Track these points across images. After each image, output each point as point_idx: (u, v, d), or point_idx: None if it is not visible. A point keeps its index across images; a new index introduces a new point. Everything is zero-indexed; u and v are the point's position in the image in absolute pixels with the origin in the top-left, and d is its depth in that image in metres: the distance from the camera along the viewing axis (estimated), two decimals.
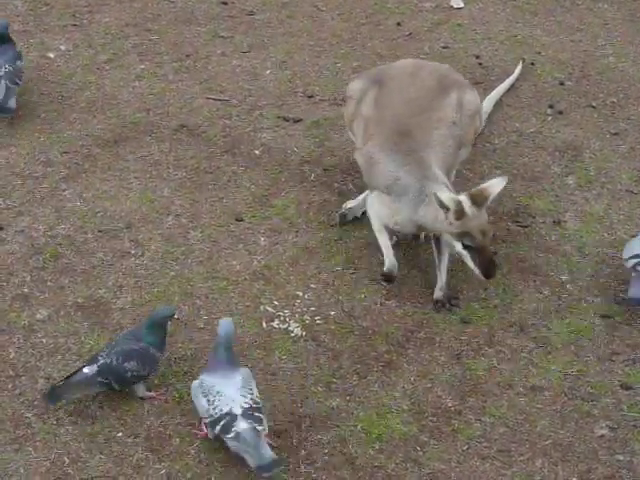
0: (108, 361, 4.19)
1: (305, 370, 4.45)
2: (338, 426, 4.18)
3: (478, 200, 4.57)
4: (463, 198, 4.55)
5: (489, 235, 4.62)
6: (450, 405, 4.30)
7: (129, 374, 4.19)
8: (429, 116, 4.95)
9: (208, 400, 3.98)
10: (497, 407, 4.30)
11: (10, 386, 4.33)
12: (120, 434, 4.14)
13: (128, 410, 4.23)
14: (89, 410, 4.23)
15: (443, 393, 4.36)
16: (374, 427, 4.19)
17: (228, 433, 3.91)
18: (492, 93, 6.16)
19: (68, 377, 4.21)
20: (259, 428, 3.92)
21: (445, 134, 4.95)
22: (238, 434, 3.89)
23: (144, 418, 4.20)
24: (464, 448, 4.12)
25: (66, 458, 4.04)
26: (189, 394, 4.25)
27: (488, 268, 4.59)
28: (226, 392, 3.98)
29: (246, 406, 3.95)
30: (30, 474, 3.97)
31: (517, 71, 6.41)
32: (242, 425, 3.90)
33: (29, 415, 4.21)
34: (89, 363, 4.22)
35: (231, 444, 3.92)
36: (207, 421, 3.99)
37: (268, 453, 3.89)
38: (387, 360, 4.51)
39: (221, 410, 3.94)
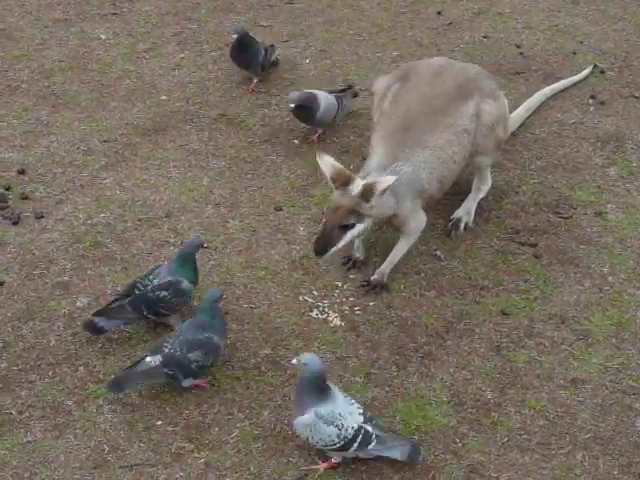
0: (172, 351, 4.18)
1: (344, 360, 4.43)
2: (377, 417, 4.16)
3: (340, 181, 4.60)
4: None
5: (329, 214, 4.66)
6: (490, 397, 4.27)
7: (194, 365, 4.19)
8: (438, 119, 4.88)
9: (337, 426, 3.86)
10: (537, 399, 4.26)
11: (50, 373, 4.35)
12: (159, 422, 4.14)
13: (167, 399, 4.23)
14: (128, 398, 4.23)
15: (483, 385, 4.33)
16: (413, 418, 4.16)
17: (370, 443, 3.90)
18: (546, 89, 6.12)
19: (131, 366, 4.22)
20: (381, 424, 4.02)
21: (450, 140, 4.88)
22: (378, 436, 3.91)
23: (183, 407, 4.20)
24: (504, 440, 4.09)
25: (105, 446, 4.05)
26: (228, 383, 4.27)
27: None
28: (344, 410, 3.91)
29: (362, 411, 3.96)
30: (70, 461, 3.99)
31: (584, 73, 6.33)
32: (371, 429, 3.91)
33: (69, 402, 4.23)
34: (153, 352, 4.21)
35: (375, 449, 3.92)
36: (338, 446, 3.89)
37: (402, 440, 3.99)
38: (426, 351, 4.48)
39: (352, 427, 3.88)
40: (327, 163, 4.65)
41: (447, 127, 4.88)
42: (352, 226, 4.58)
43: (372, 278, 4.84)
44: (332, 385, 3.98)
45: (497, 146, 5.16)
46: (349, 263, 4.95)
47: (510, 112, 5.44)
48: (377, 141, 4.91)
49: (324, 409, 3.86)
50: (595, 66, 6.37)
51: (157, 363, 4.16)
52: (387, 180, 4.55)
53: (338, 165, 4.65)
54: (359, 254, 4.96)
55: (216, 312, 4.29)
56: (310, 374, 3.87)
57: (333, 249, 4.60)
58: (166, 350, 4.18)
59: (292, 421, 3.95)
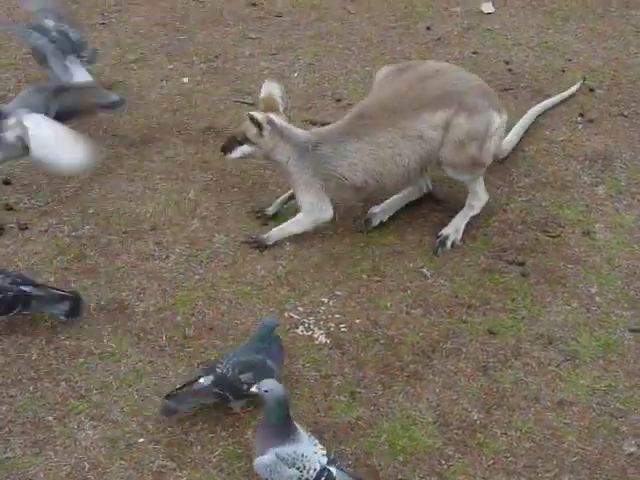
0: (224, 371, 4.11)
1: (329, 379, 4.38)
2: (362, 437, 4.11)
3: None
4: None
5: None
6: (476, 418, 4.23)
7: (245, 386, 4.08)
8: (391, 118, 4.94)
9: (298, 468, 3.71)
10: (524, 421, 4.21)
11: (31, 388, 4.29)
12: (141, 440, 4.08)
13: (149, 416, 4.17)
14: (110, 415, 4.18)
15: (469, 405, 4.28)
16: (398, 439, 4.12)
17: None
18: (537, 106, 6.08)
19: (183, 387, 4.16)
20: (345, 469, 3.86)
21: (394, 141, 4.94)
22: None
23: (166, 424, 4.14)
24: (490, 463, 4.04)
25: (86, 463, 3.99)
26: None
27: None
28: (308, 451, 3.75)
29: (325, 452, 3.79)
30: (50, 478, 3.92)
31: (573, 89, 6.31)
32: (335, 472, 3.74)
33: (50, 418, 4.16)
34: (206, 373, 4.14)
35: None
36: None
37: None
38: (412, 370, 4.44)
39: (315, 469, 3.72)
40: (268, 87, 5.14)
41: (396, 128, 4.95)
42: (240, 143, 5.07)
43: (259, 235, 5.08)
44: (296, 424, 3.83)
45: (471, 163, 5.05)
46: (258, 213, 5.28)
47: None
48: (342, 117, 5.17)
49: (286, 449, 3.72)
50: (584, 80, 6.35)
51: (209, 383, 4.10)
52: (258, 114, 4.98)
53: (275, 94, 5.12)
54: (271, 209, 5.30)
55: (273, 340, 4.21)
56: (272, 402, 3.72)
57: (229, 155, 5.12)
58: (218, 371, 4.11)
59: (254, 460, 3.82)
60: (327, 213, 5.10)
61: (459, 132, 4.96)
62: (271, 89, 5.12)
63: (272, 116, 5.01)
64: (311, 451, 3.75)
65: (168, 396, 4.14)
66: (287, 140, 5.01)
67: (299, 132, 5.08)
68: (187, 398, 4.13)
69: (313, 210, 5.07)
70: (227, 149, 5.11)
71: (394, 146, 4.95)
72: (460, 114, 4.95)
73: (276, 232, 5.09)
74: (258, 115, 4.97)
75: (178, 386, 4.19)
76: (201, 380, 4.11)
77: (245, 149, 5.06)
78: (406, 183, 5.18)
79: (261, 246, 5.06)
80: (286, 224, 5.11)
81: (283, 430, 3.75)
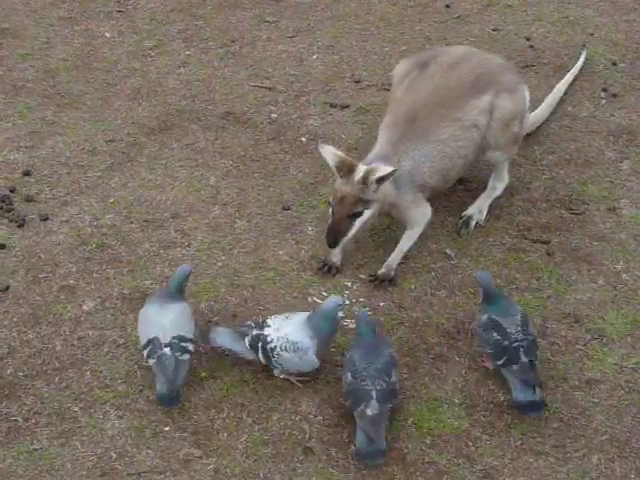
0: (382, 387, 4.01)
1: None
2: (389, 420, 4.08)
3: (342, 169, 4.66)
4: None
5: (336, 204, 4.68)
6: (502, 399, 4.19)
7: (397, 385, 4.09)
8: (444, 112, 4.84)
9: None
10: (551, 401, 4.18)
11: (57, 379, 4.29)
12: (167, 428, 4.08)
13: None
14: (136, 404, 4.18)
15: (495, 386, 4.25)
16: (425, 421, 4.10)
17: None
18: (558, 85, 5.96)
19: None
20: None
21: (455, 134, 4.86)
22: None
23: (191, 412, 4.14)
24: (517, 443, 4.02)
25: (113, 453, 3.99)
26: (237, 387, 4.21)
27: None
28: None
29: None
30: (77, 469, 3.93)
31: (580, 61, 6.22)
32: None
33: (75, 409, 4.17)
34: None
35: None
36: None
37: None
38: (438, 352, 4.41)
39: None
40: (329, 152, 4.73)
41: (453, 121, 4.85)
42: (360, 214, 4.67)
43: (379, 272, 4.79)
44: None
45: (512, 142, 5.07)
46: (324, 268, 4.85)
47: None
48: (383, 130, 4.95)
49: None
50: (584, 46, 6.30)
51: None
52: (385, 170, 4.60)
53: (340, 153, 4.73)
54: (336, 259, 4.86)
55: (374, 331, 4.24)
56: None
57: (344, 239, 4.68)
58: (378, 387, 4.00)
59: None
60: (430, 213, 4.90)
61: (504, 113, 4.94)
62: (333, 150, 4.73)
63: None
64: None
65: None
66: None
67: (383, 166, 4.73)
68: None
69: (421, 221, 4.87)
70: (339, 235, 4.66)
71: (457, 139, 4.87)
72: (502, 95, 4.94)
73: (394, 258, 4.83)
74: (378, 170, 4.59)
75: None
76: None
77: (367, 215, 4.68)
78: (463, 174, 5.12)
79: (387, 280, 4.76)
80: (400, 247, 4.86)
81: None
